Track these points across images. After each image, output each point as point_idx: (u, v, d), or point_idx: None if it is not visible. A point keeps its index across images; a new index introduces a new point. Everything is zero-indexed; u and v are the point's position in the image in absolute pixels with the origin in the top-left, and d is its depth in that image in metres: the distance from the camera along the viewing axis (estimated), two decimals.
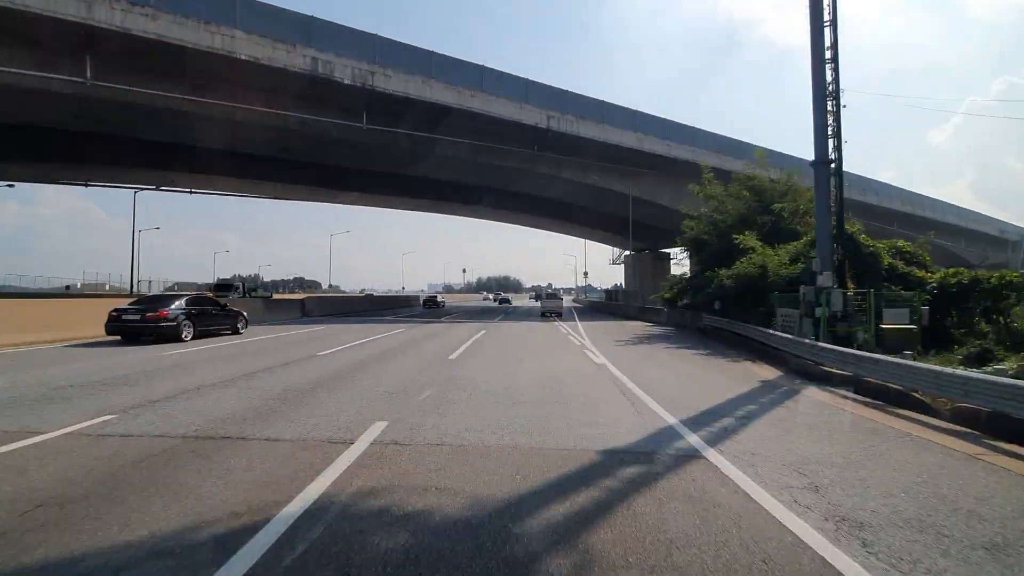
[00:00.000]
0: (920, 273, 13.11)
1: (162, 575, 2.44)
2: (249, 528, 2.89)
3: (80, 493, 3.38)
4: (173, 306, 13.31)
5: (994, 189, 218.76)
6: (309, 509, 3.15)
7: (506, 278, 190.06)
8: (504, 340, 14.99)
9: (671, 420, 5.54)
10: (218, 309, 15.22)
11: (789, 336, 10.39)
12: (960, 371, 6.08)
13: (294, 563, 2.53)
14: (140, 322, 12.67)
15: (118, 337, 12.96)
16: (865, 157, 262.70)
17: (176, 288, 45.31)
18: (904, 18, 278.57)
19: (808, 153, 11.05)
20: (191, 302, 14.09)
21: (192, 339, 13.33)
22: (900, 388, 6.56)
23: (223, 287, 34.26)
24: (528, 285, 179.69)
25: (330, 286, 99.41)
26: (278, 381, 7.61)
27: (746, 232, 16.82)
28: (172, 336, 12.84)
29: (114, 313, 12.80)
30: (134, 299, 15.90)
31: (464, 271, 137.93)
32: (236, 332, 15.43)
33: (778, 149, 30.51)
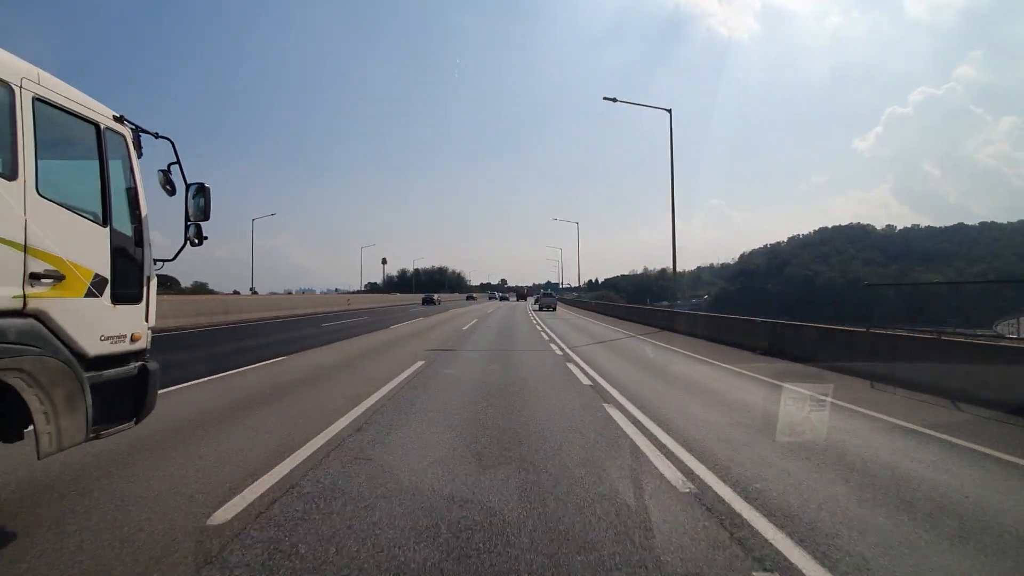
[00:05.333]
0: None
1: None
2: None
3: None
4: (435, 295, 55.48)
5: (914, 193, 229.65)
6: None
7: (441, 271, 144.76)
8: None
9: None
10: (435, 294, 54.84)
11: None
12: None
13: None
14: (429, 300, 54.03)
15: (422, 304, 52.89)
16: (799, 161, 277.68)
17: None
18: (843, 16, 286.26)
19: None
20: (435, 295, 54.12)
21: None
22: None
23: None
24: (476, 283, 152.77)
25: (194, 284, 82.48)
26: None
27: None
28: (436, 303, 52.47)
29: (423, 297, 55.68)
30: (425, 295, 57.62)
31: (384, 262, 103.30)
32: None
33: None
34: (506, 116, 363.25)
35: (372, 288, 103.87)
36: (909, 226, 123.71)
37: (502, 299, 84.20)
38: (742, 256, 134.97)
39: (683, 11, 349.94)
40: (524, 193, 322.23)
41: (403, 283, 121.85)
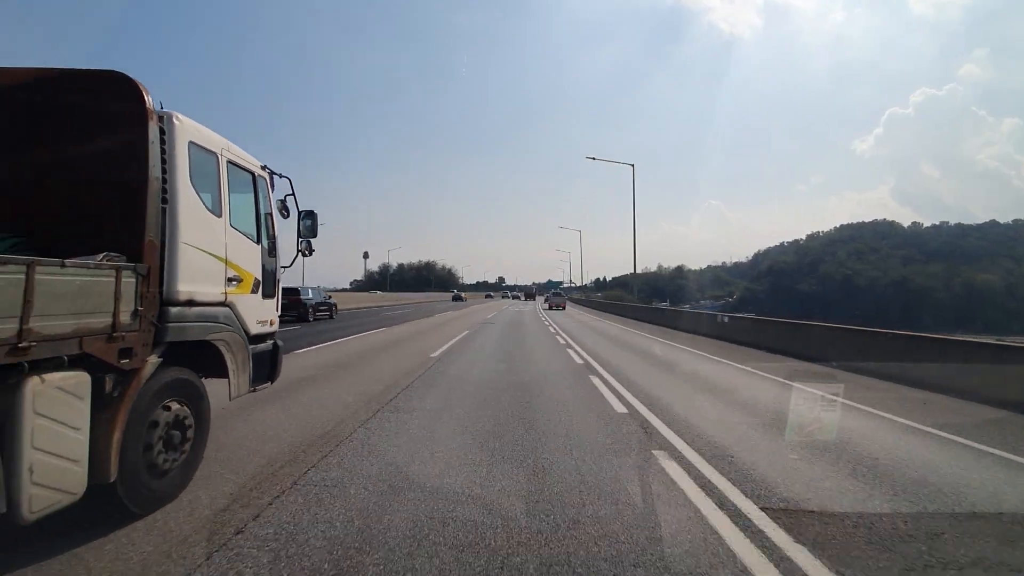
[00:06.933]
0: None
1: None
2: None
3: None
4: (462, 294, 55.72)
5: (913, 194, 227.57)
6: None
7: (429, 266, 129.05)
8: None
9: None
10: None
11: None
12: None
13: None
14: (458, 297, 54.44)
15: (452, 300, 54.19)
16: (798, 162, 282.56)
17: None
18: (847, 12, 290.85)
19: None
20: (463, 293, 55.42)
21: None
22: None
23: None
24: (471, 281, 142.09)
25: None
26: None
27: None
28: (464, 299, 53.34)
29: (452, 295, 56.46)
30: (455, 292, 59.89)
31: (366, 256, 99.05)
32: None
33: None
34: (502, 111, 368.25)
35: (357, 287, 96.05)
36: (938, 223, 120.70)
37: (514, 297, 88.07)
38: (757, 254, 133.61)
39: (684, 5, 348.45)
40: (521, 190, 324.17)
41: (381, 278, 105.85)
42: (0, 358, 2.29)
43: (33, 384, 2.42)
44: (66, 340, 2.61)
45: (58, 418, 2.55)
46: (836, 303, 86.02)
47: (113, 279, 2.89)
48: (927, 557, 2.84)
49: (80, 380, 2.70)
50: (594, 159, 30.38)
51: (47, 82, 3.41)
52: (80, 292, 2.69)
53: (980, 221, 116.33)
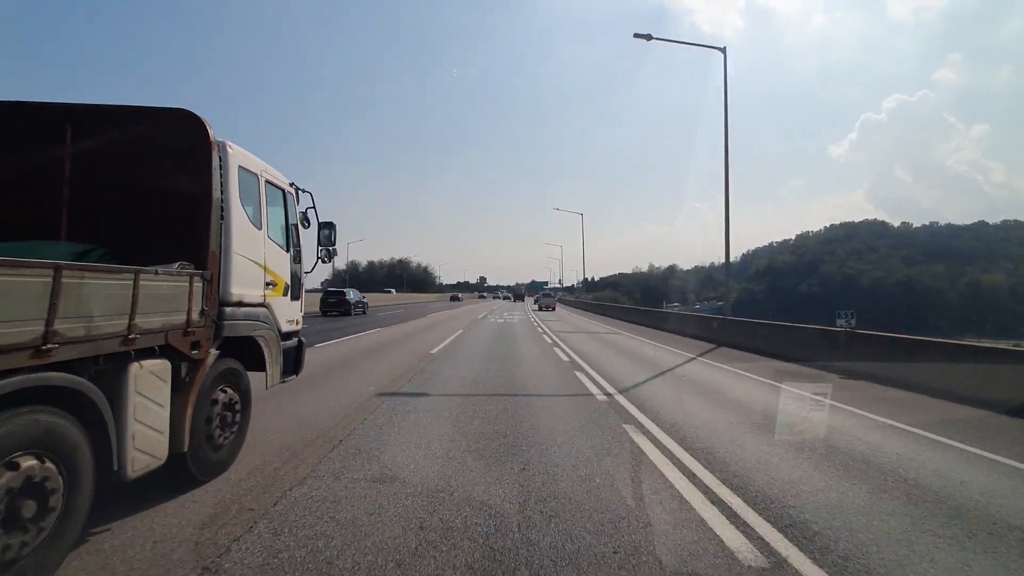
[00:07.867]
0: None
1: None
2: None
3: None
4: (459, 295, 57.13)
5: (887, 198, 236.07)
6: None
7: (402, 263, 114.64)
8: None
9: None
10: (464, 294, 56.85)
11: None
12: None
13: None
14: (455, 298, 55.94)
15: (449, 300, 54.62)
16: (777, 166, 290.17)
17: None
18: (827, 16, 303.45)
19: None
20: (459, 294, 56.26)
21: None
22: None
23: None
24: (451, 281, 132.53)
25: None
26: None
27: None
28: (460, 300, 54.18)
29: (450, 296, 57.80)
30: (452, 293, 61.34)
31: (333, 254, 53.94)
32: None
33: None
34: (485, 108, 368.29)
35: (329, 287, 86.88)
36: (927, 223, 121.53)
37: (504, 298, 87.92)
38: (745, 255, 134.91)
39: (666, 7, 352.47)
40: (504, 190, 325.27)
41: (345, 277, 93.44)
42: (115, 348, 2.90)
43: (135, 369, 3.05)
44: (157, 333, 3.23)
45: (151, 397, 3.17)
46: (839, 305, 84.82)
47: (187, 284, 3.51)
48: None
49: (165, 366, 3.32)
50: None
51: (126, 117, 4.02)
52: (166, 294, 3.31)
53: (955, 224, 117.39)
